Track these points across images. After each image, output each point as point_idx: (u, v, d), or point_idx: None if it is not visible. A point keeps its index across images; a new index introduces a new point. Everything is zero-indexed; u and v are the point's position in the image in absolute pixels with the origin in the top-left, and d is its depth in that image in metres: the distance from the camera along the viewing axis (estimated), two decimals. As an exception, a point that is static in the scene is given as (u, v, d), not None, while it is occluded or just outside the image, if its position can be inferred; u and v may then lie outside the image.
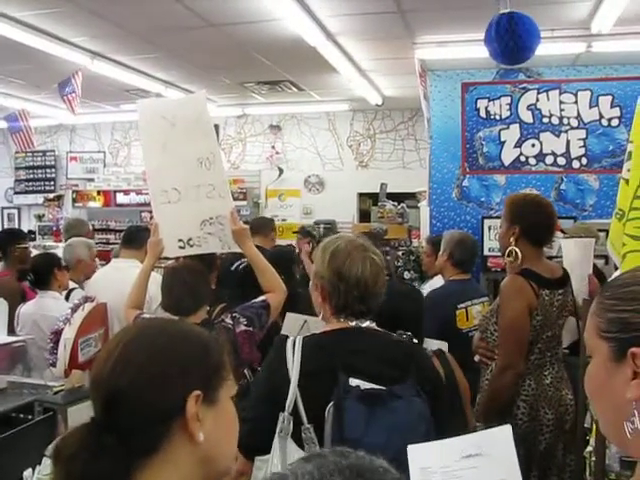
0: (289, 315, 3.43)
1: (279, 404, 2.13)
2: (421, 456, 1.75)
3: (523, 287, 3.21)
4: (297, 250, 8.46)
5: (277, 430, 2.12)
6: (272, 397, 2.18)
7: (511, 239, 3.29)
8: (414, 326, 3.07)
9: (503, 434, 1.81)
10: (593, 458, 2.71)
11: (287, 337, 2.29)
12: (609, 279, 1.73)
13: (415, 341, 2.99)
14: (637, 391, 1.11)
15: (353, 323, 2.28)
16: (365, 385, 2.07)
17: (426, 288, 5.09)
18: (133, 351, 1.30)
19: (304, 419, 2.10)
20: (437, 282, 4.99)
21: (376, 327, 2.35)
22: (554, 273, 3.32)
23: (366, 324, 2.31)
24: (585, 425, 3.11)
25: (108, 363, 1.29)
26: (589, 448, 2.78)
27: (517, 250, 3.27)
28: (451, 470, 1.71)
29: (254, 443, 2.15)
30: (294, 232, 9.35)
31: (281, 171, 11.27)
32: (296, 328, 3.12)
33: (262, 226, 6.19)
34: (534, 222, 3.27)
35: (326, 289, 2.30)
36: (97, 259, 7.39)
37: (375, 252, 2.34)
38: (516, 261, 3.27)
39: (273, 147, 11.34)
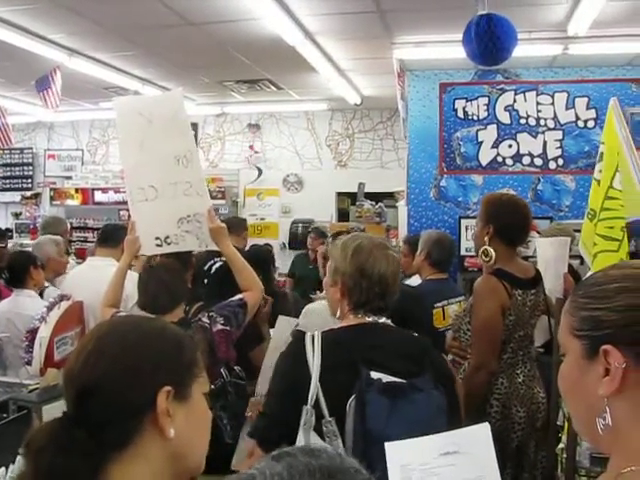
0: (281, 318, 3.44)
1: (299, 399, 2.15)
2: (400, 453, 1.77)
3: (496, 287, 3.24)
4: (309, 250, 8.45)
5: (301, 423, 2.14)
6: (292, 392, 2.20)
7: (485, 238, 3.32)
8: (419, 326, 3.12)
9: (481, 432, 1.83)
10: (564, 455, 2.75)
11: (305, 333, 2.32)
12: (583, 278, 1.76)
13: None
14: (608, 388, 1.13)
15: (370, 319, 2.33)
16: (387, 378, 2.11)
17: (404, 287, 5.09)
18: (105, 345, 1.31)
19: (325, 413, 2.12)
20: (414, 282, 5.01)
21: (391, 323, 2.40)
22: (527, 273, 3.35)
23: (382, 320, 2.35)
24: (557, 423, 3.15)
25: (80, 357, 1.30)
26: (561, 445, 2.81)
27: (490, 249, 3.29)
28: (429, 467, 1.73)
29: (273, 437, 2.19)
30: (308, 231, 9.34)
31: (260, 172, 11.26)
32: (287, 331, 3.13)
33: (235, 225, 6.20)
34: (508, 222, 3.29)
35: (347, 285, 2.34)
36: (74, 257, 7.38)
37: (393, 251, 2.40)
38: (490, 261, 3.29)
39: (251, 147, 11.32)
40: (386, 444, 1.79)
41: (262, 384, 3.10)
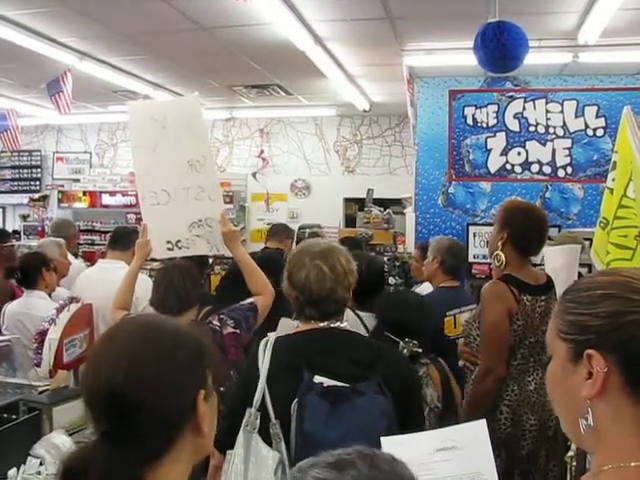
0: (283, 320, 3.44)
1: (250, 401, 2.22)
2: (396, 449, 1.77)
3: (502, 292, 3.23)
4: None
5: (243, 424, 2.20)
6: (244, 394, 2.27)
7: (499, 243, 3.31)
8: (419, 335, 3.14)
9: (478, 428, 1.84)
10: (574, 463, 2.73)
11: (264, 337, 2.39)
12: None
13: (419, 350, 3.08)
14: (591, 390, 1.17)
15: (323, 324, 2.37)
16: (329, 382, 2.15)
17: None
18: (142, 362, 1.29)
19: (272, 415, 2.18)
20: (425, 289, 4.98)
21: (346, 327, 2.43)
22: (537, 280, 3.33)
23: (336, 324, 2.39)
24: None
25: (116, 376, 1.26)
26: (570, 453, 2.80)
27: (501, 254, 3.29)
28: (425, 463, 1.73)
29: (229, 439, 2.23)
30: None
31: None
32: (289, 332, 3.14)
33: (277, 231, 6.22)
34: (522, 229, 3.27)
35: (286, 294, 2.45)
36: (82, 259, 7.39)
37: (326, 259, 2.36)
38: (500, 265, 3.29)
39: (259, 155, 11.34)
40: (382, 439, 1.81)
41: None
